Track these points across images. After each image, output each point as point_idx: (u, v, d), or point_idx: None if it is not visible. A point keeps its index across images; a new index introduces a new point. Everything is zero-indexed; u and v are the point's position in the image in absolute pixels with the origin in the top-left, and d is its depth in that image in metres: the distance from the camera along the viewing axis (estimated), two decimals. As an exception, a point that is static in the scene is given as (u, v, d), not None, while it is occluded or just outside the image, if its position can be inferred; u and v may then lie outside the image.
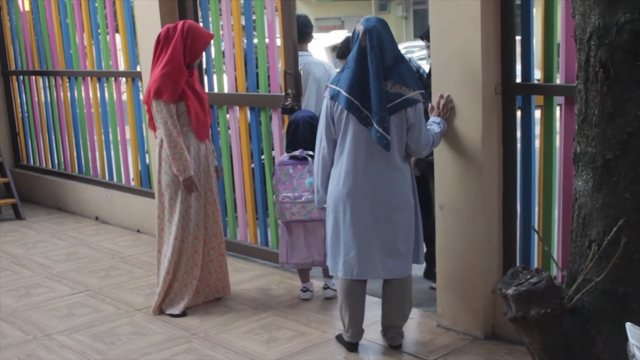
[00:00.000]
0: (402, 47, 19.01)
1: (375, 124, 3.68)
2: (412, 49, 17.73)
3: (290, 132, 4.70)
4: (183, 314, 4.61)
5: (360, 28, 3.77)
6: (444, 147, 4.09)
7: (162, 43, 4.51)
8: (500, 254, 4.15)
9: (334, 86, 3.83)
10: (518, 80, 4.01)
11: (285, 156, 4.67)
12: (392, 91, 3.72)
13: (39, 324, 4.59)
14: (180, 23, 4.53)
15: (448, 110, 4.01)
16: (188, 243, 4.59)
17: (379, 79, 3.69)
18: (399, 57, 3.82)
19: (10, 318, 4.71)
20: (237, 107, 5.54)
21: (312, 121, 4.62)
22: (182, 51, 4.46)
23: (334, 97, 3.81)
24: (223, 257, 4.80)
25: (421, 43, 6.87)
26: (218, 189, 4.82)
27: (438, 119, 4.00)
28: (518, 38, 3.95)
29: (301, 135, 4.63)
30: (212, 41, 5.00)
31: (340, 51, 5.34)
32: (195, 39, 4.49)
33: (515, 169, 4.07)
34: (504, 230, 4.12)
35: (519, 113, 4.04)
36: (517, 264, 4.11)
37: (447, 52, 4.02)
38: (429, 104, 4.12)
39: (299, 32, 5.23)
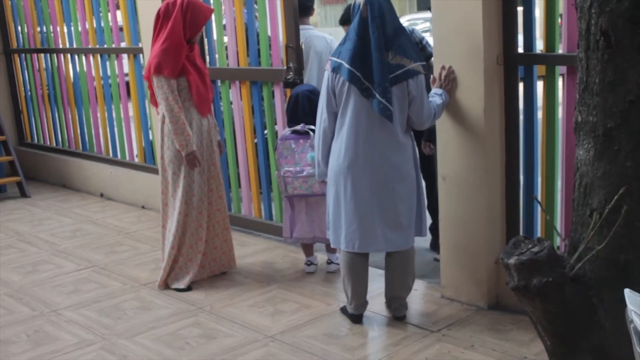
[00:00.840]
0: (405, 19, 18.92)
1: (377, 95, 3.67)
2: (415, 22, 17.65)
3: (290, 106, 4.70)
4: (188, 288, 4.64)
5: (359, 0, 3.75)
6: (446, 118, 4.09)
7: (161, 18, 4.50)
8: (503, 225, 4.16)
9: (335, 58, 3.81)
10: (520, 50, 4.00)
11: (287, 130, 4.67)
12: (394, 62, 3.70)
13: (46, 300, 4.63)
14: None
15: (450, 82, 4.00)
16: (192, 218, 4.61)
17: (380, 50, 3.67)
18: (400, 29, 3.80)
19: (17, 294, 4.75)
20: (239, 82, 5.53)
21: (312, 95, 4.61)
22: (182, 26, 4.45)
23: (336, 69, 3.79)
24: (227, 231, 4.82)
25: (425, 15, 6.83)
26: (221, 164, 4.82)
27: (440, 91, 3.99)
28: (520, 8, 3.93)
29: (301, 109, 4.62)
30: (212, 15, 4.98)
31: (343, 18, 5.32)
32: (195, 14, 4.47)
33: (517, 140, 4.06)
34: (507, 201, 4.13)
35: (521, 83, 4.03)
36: (520, 234, 4.11)
37: (448, 23, 4.00)
38: (431, 76, 4.11)
39: (300, 5, 5.20)
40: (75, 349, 3.94)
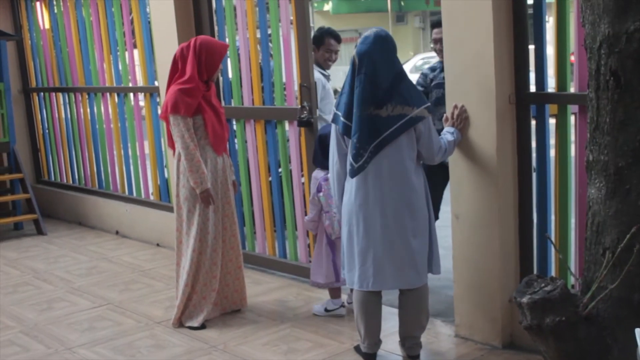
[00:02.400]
0: (419, 57, 19.10)
1: (350, 148, 3.76)
2: (429, 60, 17.80)
3: (320, 148, 4.63)
4: (202, 326, 4.65)
5: (354, 52, 3.79)
6: (459, 156, 4.11)
7: (178, 61, 4.59)
8: (517, 263, 4.15)
9: (335, 110, 3.89)
10: (532, 89, 4.03)
11: (320, 172, 4.64)
12: (394, 114, 3.71)
13: (61, 338, 4.65)
14: (193, 40, 4.59)
15: (462, 120, 4.03)
16: (206, 256, 4.63)
17: (360, 107, 3.71)
18: (399, 76, 3.76)
19: (32, 332, 4.77)
20: (253, 121, 5.59)
21: None
22: (198, 67, 4.52)
23: (335, 120, 3.87)
24: (240, 270, 4.84)
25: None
26: (236, 202, 4.86)
27: (452, 129, 4.02)
28: (531, 47, 3.97)
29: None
30: (227, 53, 5.03)
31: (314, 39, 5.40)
32: (209, 53, 4.54)
33: (530, 178, 4.07)
34: (521, 239, 4.13)
35: (533, 122, 4.05)
36: (534, 272, 4.10)
37: (460, 63, 4.04)
38: (444, 115, 4.14)
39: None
40: (89, 387, 3.95)
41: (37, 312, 5.14)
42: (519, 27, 3.93)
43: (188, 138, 4.49)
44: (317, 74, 5.65)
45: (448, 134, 3.99)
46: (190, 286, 4.65)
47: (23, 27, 8.21)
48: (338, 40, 5.75)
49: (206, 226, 4.61)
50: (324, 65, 5.71)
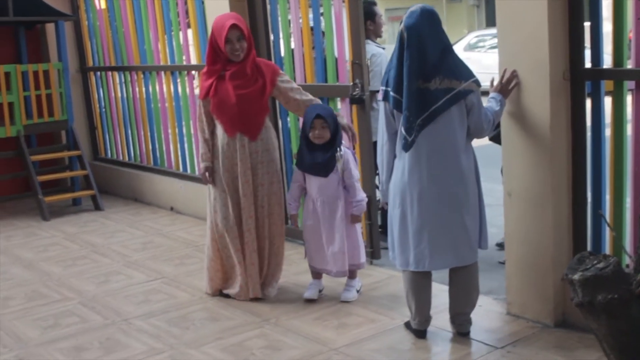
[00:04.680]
0: (473, 35, 18.80)
1: (402, 122, 3.74)
2: (484, 38, 17.49)
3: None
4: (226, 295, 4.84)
5: (401, 26, 3.78)
6: (512, 133, 4.08)
7: None
8: (570, 241, 4.11)
9: (383, 87, 3.88)
10: (587, 65, 3.97)
11: None
12: (442, 87, 3.71)
13: (117, 309, 4.78)
14: None
15: (512, 85, 3.98)
16: (214, 236, 4.76)
17: (410, 80, 3.70)
18: (446, 50, 3.77)
19: (90, 303, 4.91)
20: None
21: None
22: (211, 48, 4.56)
23: (385, 97, 3.86)
24: (255, 254, 4.72)
25: (493, 31, 6.80)
26: (265, 184, 4.70)
27: (499, 97, 3.97)
28: (587, 24, 3.91)
29: None
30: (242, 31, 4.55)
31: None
32: (214, 33, 4.54)
33: (584, 156, 4.02)
34: (574, 217, 4.09)
35: (588, 99, 4.00)
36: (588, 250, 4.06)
37: (514, 39, 4.00)
38: (492, 77, 4.09)
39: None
40: (145, 357, 4.05)
41: (95, 285, 5.28)
42: (574, 3, 3.87)
43: (198, 119, 4.71)
44: (376, 49, 5.66)
45: (493, 101, 3.94)
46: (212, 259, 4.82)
47: (80, 7, 8.36)
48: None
49: (213, 206, 4.74)
50: (379, 33, 5.71)
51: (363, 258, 4.74)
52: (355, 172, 4.62)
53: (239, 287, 4.76)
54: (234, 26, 4.45)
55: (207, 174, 4.68)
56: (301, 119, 4.76)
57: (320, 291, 4.77)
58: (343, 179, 4.57)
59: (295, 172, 4.71)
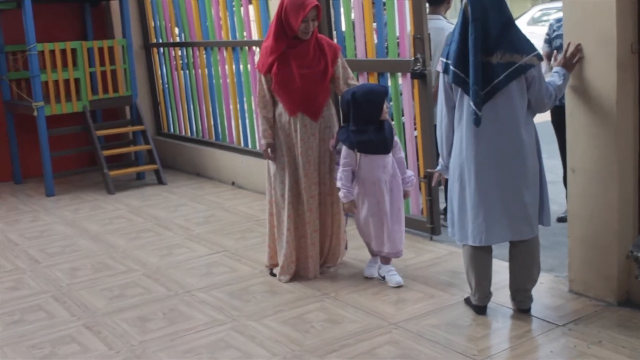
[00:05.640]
0: (537, 9, 18.41)
1: (470, 97, 3.68)
2: (548, 11, 17.11)
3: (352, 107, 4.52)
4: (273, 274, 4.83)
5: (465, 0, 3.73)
6: (576, 109, 4.00)
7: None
8: (635, 219, 4.02)
9: (444, 59, 3.84)
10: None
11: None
12: (503, 61, 3.66)
13: (180, 281, 4.87)
14: None
15: (576, 59, 3.90)
16: (272, 212, 4.76)
17: (476, 53, 3.64)
18: (508, 23, 3.72)
19: (154, 275, 5.02)
20: (367, 73, 5.60)
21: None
22: (278, 23, 4.49)
23: (445, 70, 3.82)
24: (316, 234, 4.72)
25: (557, 4, 6.66)
26: (326, 162, 4.71)
27: (562, 71, 3.90)
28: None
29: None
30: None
31: None
32: (287, 10, 4.44)
33: (652, 131, 3.93)
34: (640, 195, 4.01)
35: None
36: (654, 229, 3.98)
37: (580, 11, 3.91)
38: (554, 51, 4.02)
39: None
40: (207, 328, 4.13)
41: (159, 257, 5.39)
42: (644, -27, 3.77)
43: (258, 94, 4.66)
44: (450, 25, 5.57)
45: (556, 75, 3.88)
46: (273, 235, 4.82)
47: (145, -17, 8.47)
48: None
49: (270, 183, 4.75)
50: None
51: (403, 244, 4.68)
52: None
53: (280, 268, 4.77)
54: (316, 7, 4.45)
55: (269, 150, 4.68)
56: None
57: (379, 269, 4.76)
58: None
59: (346, 154, 4.49)
